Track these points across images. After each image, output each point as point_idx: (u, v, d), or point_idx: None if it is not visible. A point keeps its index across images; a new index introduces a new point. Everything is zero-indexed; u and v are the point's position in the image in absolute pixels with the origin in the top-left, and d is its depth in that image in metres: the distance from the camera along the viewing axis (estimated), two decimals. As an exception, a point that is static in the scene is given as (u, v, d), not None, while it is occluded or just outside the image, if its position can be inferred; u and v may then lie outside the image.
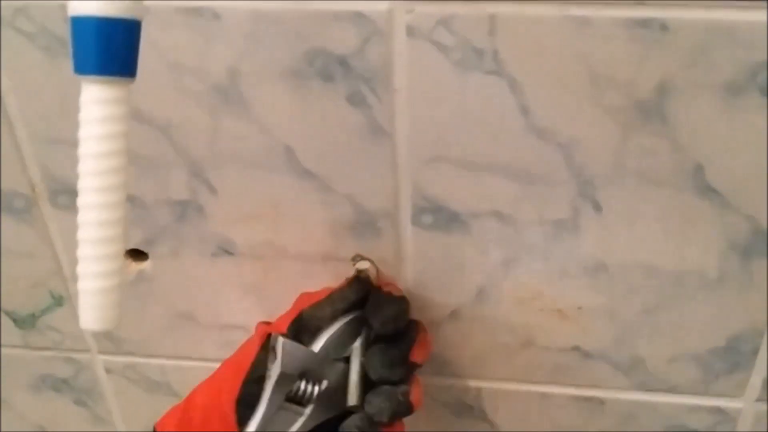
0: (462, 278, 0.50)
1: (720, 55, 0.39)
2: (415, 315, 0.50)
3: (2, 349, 0.59)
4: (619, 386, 0.53)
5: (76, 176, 0.32)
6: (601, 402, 0.54)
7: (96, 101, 0.31)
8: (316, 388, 0.45)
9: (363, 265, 0.49)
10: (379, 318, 0.46)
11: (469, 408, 0.56)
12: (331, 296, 0.47)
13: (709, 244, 0.46)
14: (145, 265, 0.53)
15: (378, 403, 0.45)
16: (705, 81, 0.40)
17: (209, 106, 0.45)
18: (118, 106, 0.32)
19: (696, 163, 0.43)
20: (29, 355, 0.59)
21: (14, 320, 0.57)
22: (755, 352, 0.50)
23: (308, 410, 0.45)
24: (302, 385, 0.45)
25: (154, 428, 0.45)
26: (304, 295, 0.49)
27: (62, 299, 0.55)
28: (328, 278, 0.50)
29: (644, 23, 0.39)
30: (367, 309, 0.47)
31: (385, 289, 0.48)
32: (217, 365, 0.47)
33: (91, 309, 0.33)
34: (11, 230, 0.53)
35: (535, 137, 0.43)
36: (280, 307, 0.49)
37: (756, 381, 0.51)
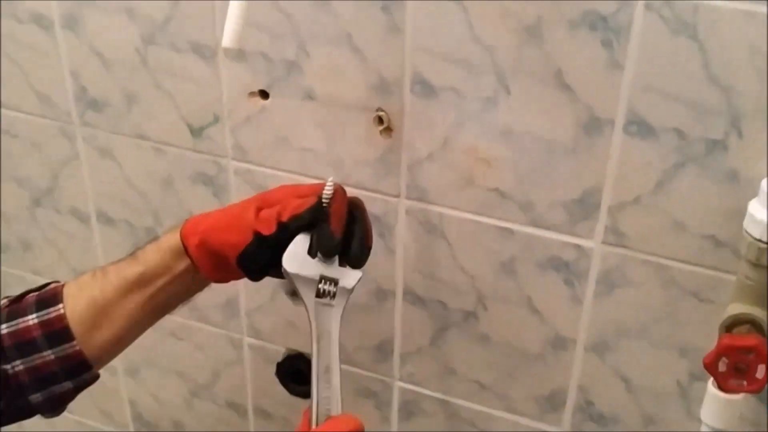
0: (434, 131, 0.86)
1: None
2: (405, 150, 0.87)
3: (176, 149, 1.00)
4: (521, 221, 0.87)
5: None
6: (511, 232, 0.88)
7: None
8: (334, 288, 0.75)
9: (329, 191, 0.76)
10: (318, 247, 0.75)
11: (435, 228, 0.91)
12: (301, 214, 0.75)
13: (567, 123, 0.80)
14: (267, 102, 0.92)
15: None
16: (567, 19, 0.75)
17: None
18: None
19: (558, 68, 0.78)
20: (192, 156, 1.00)
21: (190, 130, 0.98)
22: (598, 205, 0.82)
23: (335, 301, 0.76)
24: (323, 286, 0.75)
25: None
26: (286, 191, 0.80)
27: (219, 119, 0.96)
28: (363, 121, 0.88)
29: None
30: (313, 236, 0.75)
31: (332, 224, 0.75)
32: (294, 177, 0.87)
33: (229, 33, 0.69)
34: (195, 68, 0.93)
35: (480, 47, 0.79)
36: (334, 135, 0.88)
37: (600, 227, 0.84)
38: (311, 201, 0.76)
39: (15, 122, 1.08)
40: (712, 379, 0.77)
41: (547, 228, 0.86)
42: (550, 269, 0.88)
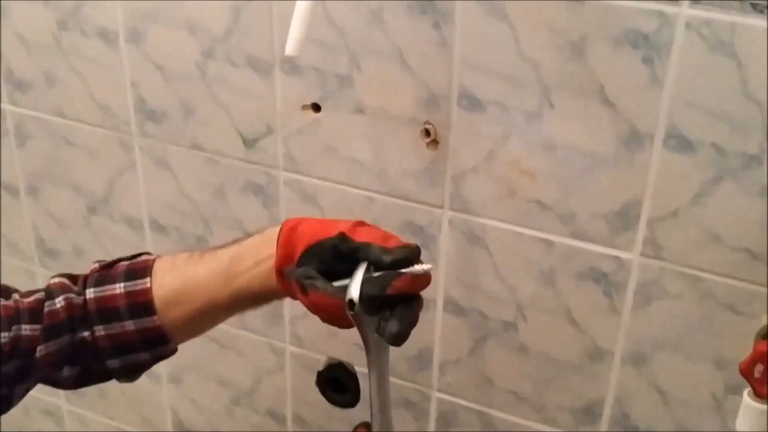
0: (479, 144, 0.89)
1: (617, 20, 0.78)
2: (450, 162, 0.90)
3: (229, 160, 1.04)
4: (561, 233, 0.90)
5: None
6: (551, 243, 0.91)
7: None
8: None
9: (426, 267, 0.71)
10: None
11: (477, 238, 0.94)
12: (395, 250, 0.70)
13: (608, 137, 0.83)
14: (319, 114, 0.96)
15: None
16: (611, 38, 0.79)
17: (365, 20, 0.89)
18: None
19: (600, 84, 0.81)
20: (244, 167, 1.04)
21: (244, 141, 1.02)
22: (638, 217, 0.85)
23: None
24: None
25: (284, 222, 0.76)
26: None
27: (272, 131, 1.00)
28: (410, 133, 0.91)
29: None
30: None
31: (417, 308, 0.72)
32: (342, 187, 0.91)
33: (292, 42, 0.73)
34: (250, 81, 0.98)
35: (525, 63, 0.83)
36: (381, 147, 0.91)
37: (639, 239, 0.86)
38: (412, 247, 0.71)
39: (74, 131, 1.13)
40: (747, 389, 0.79)
41: (587, 240, 0.89)
42: (589, 280, 0.90)
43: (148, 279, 0.77)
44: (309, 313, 0.74)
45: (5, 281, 0.78)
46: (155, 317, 0.77)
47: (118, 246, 1.19)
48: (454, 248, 0.96)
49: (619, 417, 0.96)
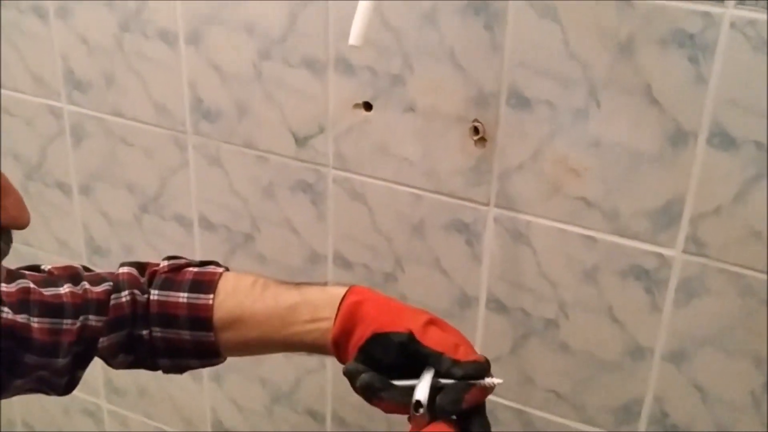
0: (526, 142, 0.92)
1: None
2: (497, 160, 0.93)
3: (279, 158, 1.08)
4: (605, 230, 0.92)
5: None
6: (594, 240, 0.93)
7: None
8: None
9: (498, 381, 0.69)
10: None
11: (522, 235, 0.97)
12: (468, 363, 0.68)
13: (653, 135, 0.86)
14: (370, 113, 1.00)
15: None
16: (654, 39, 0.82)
17: (419, 22, 0.92)
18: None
19: (647, 83, 0.84)
20: (294, 165, 1.07)
21: (295, 139, 1.06)
22: (680, 214, 0.88)
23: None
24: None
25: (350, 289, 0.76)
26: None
27: (324, 129, 1.03)
28: (459, 131, 0.95)
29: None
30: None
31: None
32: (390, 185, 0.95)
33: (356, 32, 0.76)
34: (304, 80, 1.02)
35: (574, 63, 0.86)
36: (430, 145, 0.95)
37: (681, 236, 0.89)
38: (481, 361, 0.70)
39: (131, 131, 1.17)
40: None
41: (630, 237, 0.91)
42: (631, 278, 0.92)
43: (211, 296, 0.79)
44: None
45: (53, 279, 0.81)
46: (211, 333, 0.79)
47: (167, 244, 1.23)
48: (498, 245, 0.99)
49: (658, 416, 0.98)
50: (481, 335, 1.05)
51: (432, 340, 0.69)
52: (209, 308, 0.79)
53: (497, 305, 1.02)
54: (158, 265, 0.82)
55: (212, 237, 1.19)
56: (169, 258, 0.84)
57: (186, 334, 0.79)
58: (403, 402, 0.68)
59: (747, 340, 0.89)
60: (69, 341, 0.75)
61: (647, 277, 0.92)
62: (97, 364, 0.81)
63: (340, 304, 0.74)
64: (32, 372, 0.74)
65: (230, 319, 0.79)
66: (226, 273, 0.82)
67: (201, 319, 0.79)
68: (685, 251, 0.89)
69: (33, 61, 1.20)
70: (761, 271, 0.86)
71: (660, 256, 0.90)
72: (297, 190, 1.09)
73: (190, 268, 0.82)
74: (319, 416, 1.25)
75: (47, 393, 0.79)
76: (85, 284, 0.79)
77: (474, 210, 0.98)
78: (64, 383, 0.78)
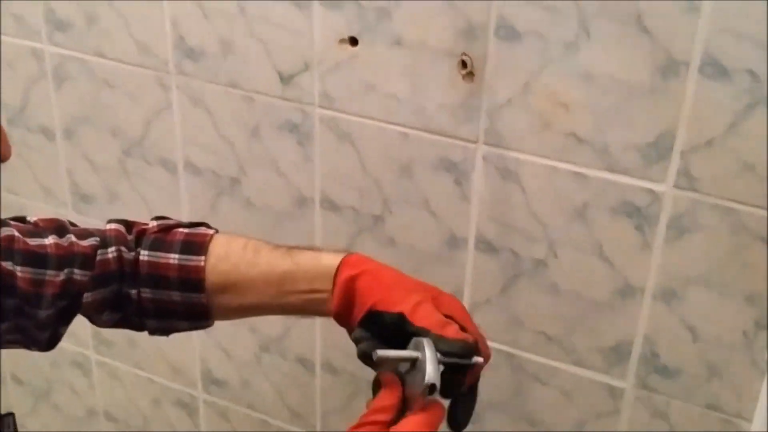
0: (515, 75, 0.90)
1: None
2: (486, 95, 0.91)
3: (265, 97, 1.06)
4: (596, 166, 0.90)
5: None
6: (585, 177, 0.91)
7: None
8: None
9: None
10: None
11: (511, 173, 0.95)
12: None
13: (644, 65, 0.83)
14: (357, 48, 0.97)
15: None
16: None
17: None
18: None
19: (637, 12, 0.82)
20: (280, 104, 1.05)
21: (280, 78, 1.04)
22: (671, 147, 0.86)
23: None
24: None
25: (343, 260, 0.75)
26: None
27: (309, 66, 1.01)
28: (447, 66, 0.92)
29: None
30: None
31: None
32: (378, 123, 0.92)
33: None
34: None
35: (560, -13, 0.84)
36: (418, 81, 0.92)
37: (672, 170, 0.87)
38: (468, 338, 0.69)
39: (115, 72, 1.15)
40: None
41: (621, 172, 0.89)
42: (622, 215, 0.91)
43: (203, 258, 0.78)
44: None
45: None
46: (203, 295, 0.78)
47: (153, 190, 1.21)
48: (487, 184, 0.97)
49: (648, 356, 0.97)
50: (471, 277, 1.03)
51: (421, 318, 0.70)
52: (201, 270, 0.78)
53: (486, 246, 1.00)
54: (147, 224, 0.81)
55: (198, 181, 1.17)
56: (157, 218, 0.82)
57: (176, 296, 0.78)
58: (396, 371, 0.68)
59: (739, 277, 0.88)
60: (52, 293, 0.74)
61: (638, 214, 0.90)
62: (85, 314, 0.80)
63: (336, 278, 0.74)
64: (15, 318, 0.73)
65: (224, 284, 0.78)
66: (217, 235, 0.81)
67: (192, 280, 0.78)
68: (676, 186, 0.87)
69: (13, 1, 1.17)
70: (754, 206, 0.84)
71: (651, 191, 0.89)
72: (283, 131, 1.07)
73: (181, 229, 0.80)
74: (308, 363, 1.23)
75: (29, 348, 0.78)
76: (71, 237, 0.77)
77: (463, 148, 0.96)
78: (46, 338, 0.77)
